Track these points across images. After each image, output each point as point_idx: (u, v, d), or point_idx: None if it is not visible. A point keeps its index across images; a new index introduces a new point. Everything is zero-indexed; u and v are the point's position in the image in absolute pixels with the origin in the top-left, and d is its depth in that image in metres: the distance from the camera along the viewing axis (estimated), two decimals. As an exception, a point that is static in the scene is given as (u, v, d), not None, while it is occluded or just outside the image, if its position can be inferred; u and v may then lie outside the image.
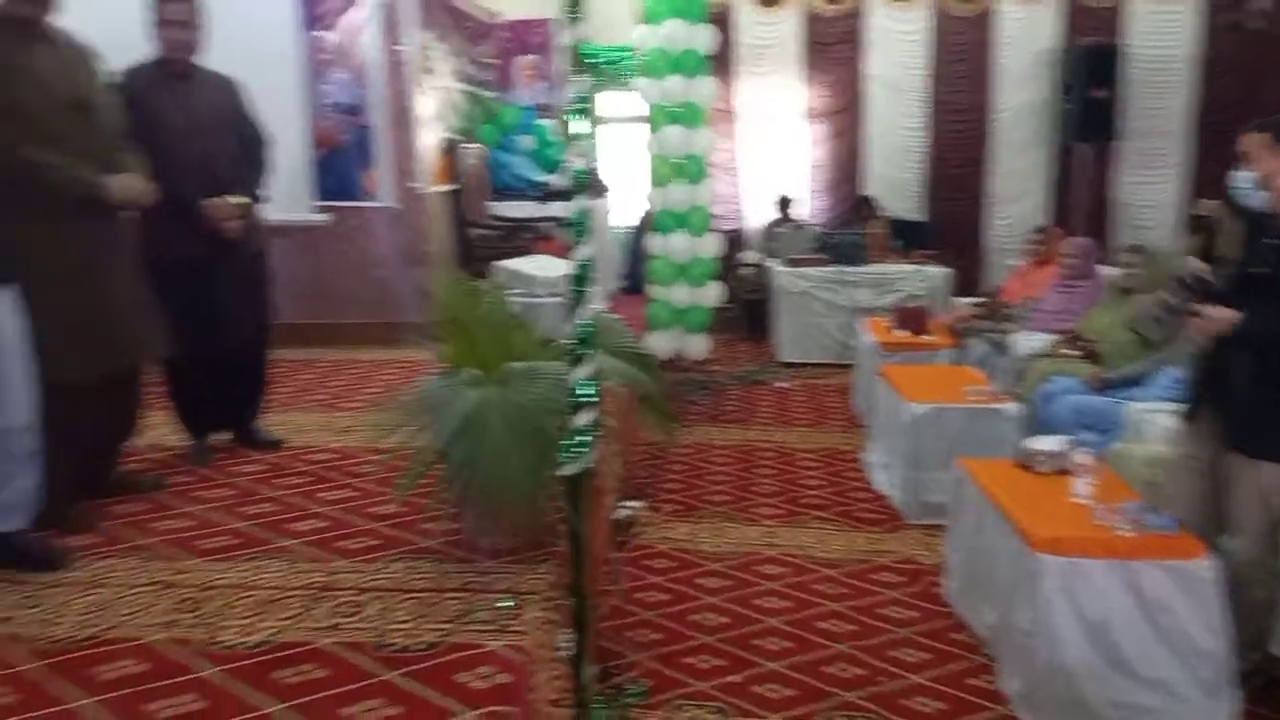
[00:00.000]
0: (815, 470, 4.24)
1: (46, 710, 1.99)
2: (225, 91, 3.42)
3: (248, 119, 3.49)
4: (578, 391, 2.36)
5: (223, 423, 3.66)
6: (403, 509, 3.08)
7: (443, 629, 2.34)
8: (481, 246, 6.04)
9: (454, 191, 6.07)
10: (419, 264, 5.56)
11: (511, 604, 2.44)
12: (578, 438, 2.37)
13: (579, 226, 2.41)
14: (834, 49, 7.73)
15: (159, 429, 3.64)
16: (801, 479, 4.12)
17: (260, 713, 2.00)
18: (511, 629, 2.35)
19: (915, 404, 3.72)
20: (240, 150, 3.43)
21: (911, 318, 5.13)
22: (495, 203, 6.36)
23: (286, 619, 2.38)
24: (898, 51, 7.64)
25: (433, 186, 5.62)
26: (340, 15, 5.17)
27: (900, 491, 3.74)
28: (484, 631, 2.33)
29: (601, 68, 2.72)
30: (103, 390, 2.91)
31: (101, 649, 2.22)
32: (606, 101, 7.24)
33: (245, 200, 3.34)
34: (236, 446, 3.67)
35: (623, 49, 5.37)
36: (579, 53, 2.51)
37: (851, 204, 7.82)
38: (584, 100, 2.51)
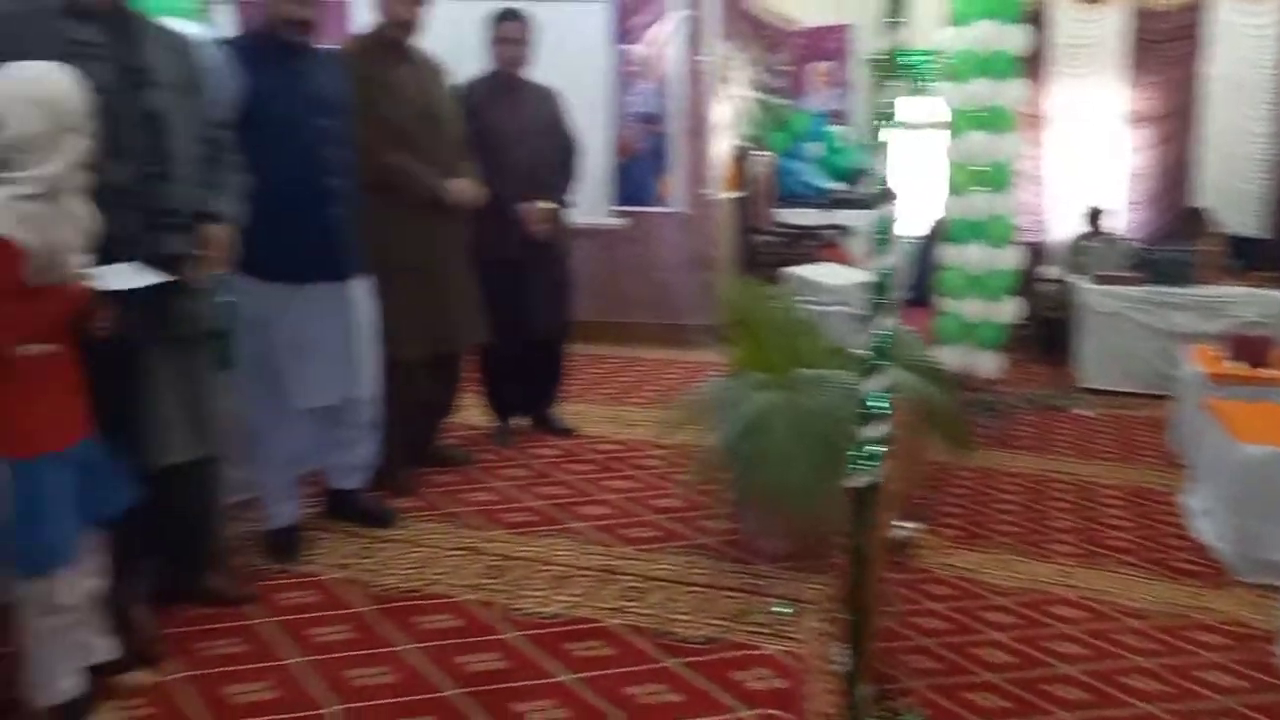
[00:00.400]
0: (1121, 509, 3.85)
1: (378, 649, 2.26)
2: (547, 101, 3.70)
3: (565, 128, 3.75)
4: (869, 403, 2.31)
5: (524, 408, 3.96)
6: (683, 504, 3.18)
7: (720, 625, 2.39)
8: (765, 253, 6.09)
9: (742, 198, 6.16)
10: (705, 268, 5.70)
11: (788, 610, 2.44)
12: (866, 450, 2.32)
13: (880, 235, 2.36)
14: (1166, 47, 6.97)
15: (470, 410, 4.02)
16: (1104, 517, 3.76)
17: (554, 679, 2.15)
18: (787, 635, 2.35)
19: (1251, 445, 3.27)
20: (556, 157, 3.70)
21: (1250, 347, 4.51)
22: (781, 209, 6.38)
23: (577, 595, 2.54)
24: (1243, 49, 6.76)
25: (722, 193, 5.74)
26: (648, 29, 5.42)
27: (1228, 543, 3.30)
28: (760, 634, 2.36)
29: (905, 72, 2.63)
30: (432, 370, 3.27)
31: (421, 601, 2.49)
32: (902, 107, 7.03)
33: (555, 205, 3.60)
34: (534, 431, 3.96)
35: (927, 52, 5.20)
36: (888, 57, 2.45)
37: (1177, 217, 7.00)
38: (889, 106, 2.45)
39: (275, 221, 2.43)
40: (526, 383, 3.93)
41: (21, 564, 1.79)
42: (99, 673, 1.98)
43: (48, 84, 1.75)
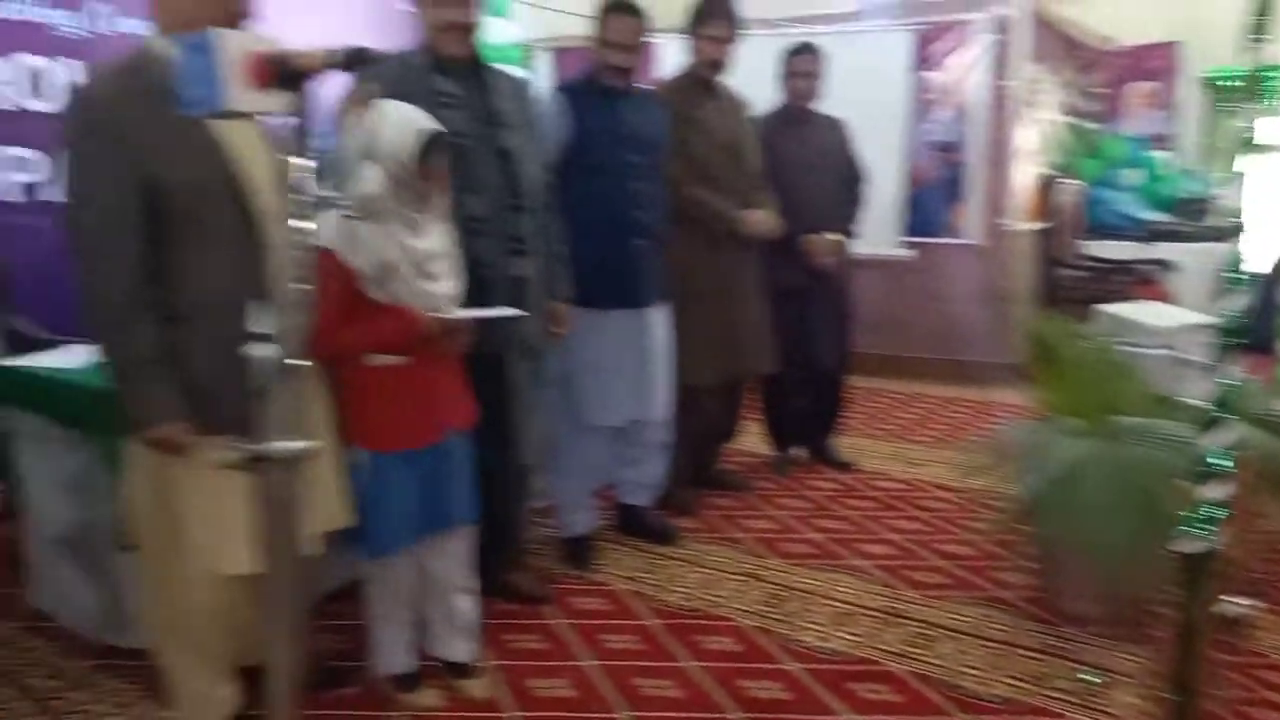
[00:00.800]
0: None
1: (663, 662, 2.34)
2: (835, 133, 3.71)
3: (852, 159, 3.73)
4: (1209, 460, 2.07)
5: (802, 438, 3.94)
6: (973, 551, 3.01)
7: (1017, 686, 2.23)
8: (1070, 288, 5.63)
9: (1044, 229, 5.76)
10: (1000, 303, 5.39)
11: (1097, 680, 2.23)
12: (1203, 512, 2.08)
13: (1230, 272, 2.11)
14: None
15: (749, 436, 4.06)
16: None
17: (837, 718, 2.10)
18: (1095, 707, 2.15)
19: None
20: (843, 188, 3.69)
21: None
22: (1089, 241, 5.88)
23: (859, 635, 2.48)
24: None
25: (1022, 223, 5.40)
26: (950, 55, 5.24)
27: None
28: (1063, 701, 2.17)
29: (1264, 92, 2.34)
30: (719, 395, 3.34)
31: (703, 621, 2.55)
32: (1260, 130, 6.25)
33: (840, 237, 3.57)
34: (811, 462, 3.93)
35: (1273, 68, 4.60)
36: (1245, 76, 2.19)
37: None
38: (1245, 130, 2.19)
39: (586, 251, 2.62)
40: (806, 413, 3.91)
41: (366, 546, 2.02)
42: (447, 667, 2.20)
43: (393, 121, 1.93)
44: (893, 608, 2.63)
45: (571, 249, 2.57)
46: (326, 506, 1.88)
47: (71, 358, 2.40)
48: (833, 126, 3.71)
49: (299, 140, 1.07)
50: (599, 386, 2.78)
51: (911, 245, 5.49)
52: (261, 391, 1.05)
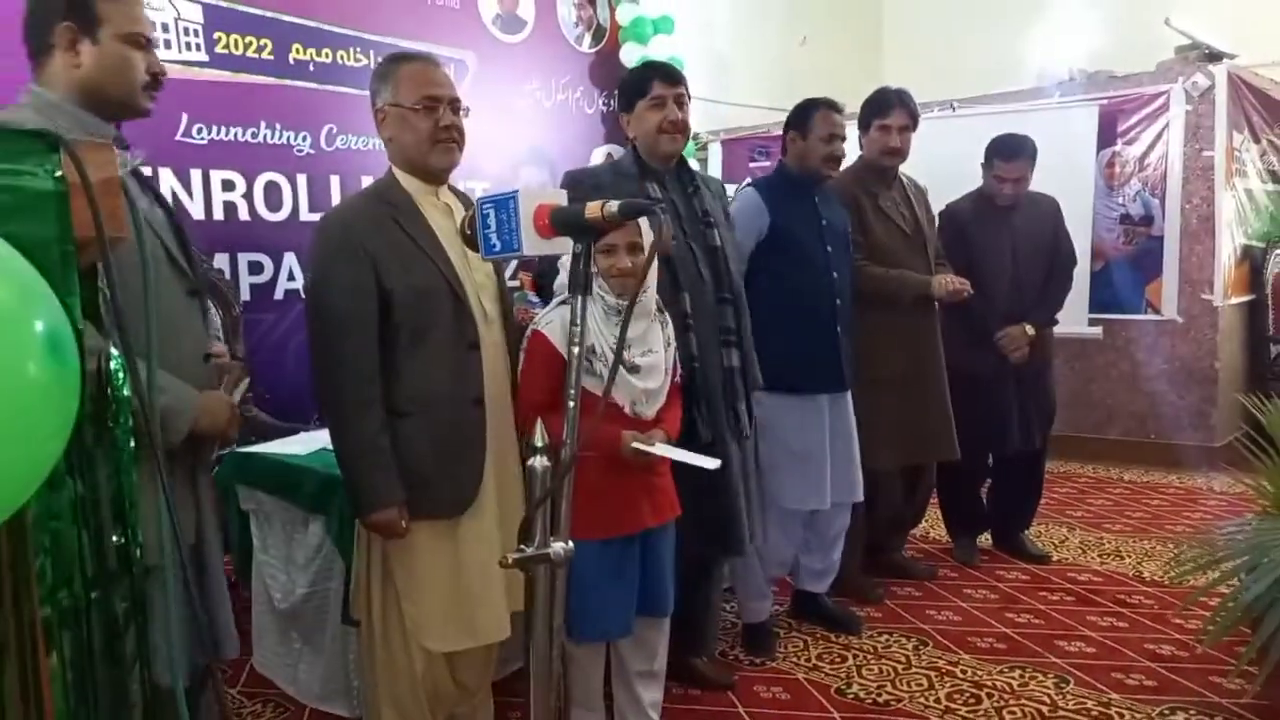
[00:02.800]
0: None
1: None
2: (1046, 217, 3.57)
3: (1062, 239, 3.59)
4: None
5: (989, 526, 3.80)
6: (1183, 653, 2.81)
7: (1244, 808, 2.05)
8: (1283, 366, 5.21)
9: (1252, 302, 5.38)
10: (1201, 382, 5.04)
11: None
12: None
13: None
14: None
15: (931, 522, 3.96)
16: None
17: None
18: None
19: None
20: (1045, 275, 3.55)
21: None
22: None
23: (1061, 740, 2.35)
24: None
25: (1227, 298, 5.06)
26: (1143, 128, 5.05)
27: None
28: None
29: None
30: (901, 480, 3.30)
31: (890, 717, 2.49)
32: None
33: (1033, 329, 3.45)
34: (997, 551, 3.78)
35: None
36: None
37: None
38: None
39: (791, 339, 2.70)
40: (995, 500, 3.78)
41: (569, 629, 2.09)
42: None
43: None
44: (1099, 711, 2.49)
45: (776, 338, 2.64)
46: (520, 585, 2.00)
47: (304, 445, 2.67)
48: (1045, 209, 3.57)
49: (578, 268, 1.19)
50: (801, 472, 2.79)
51: (1099, 323, 5.24)
52: (538, 496, 1.15)
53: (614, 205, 1.12)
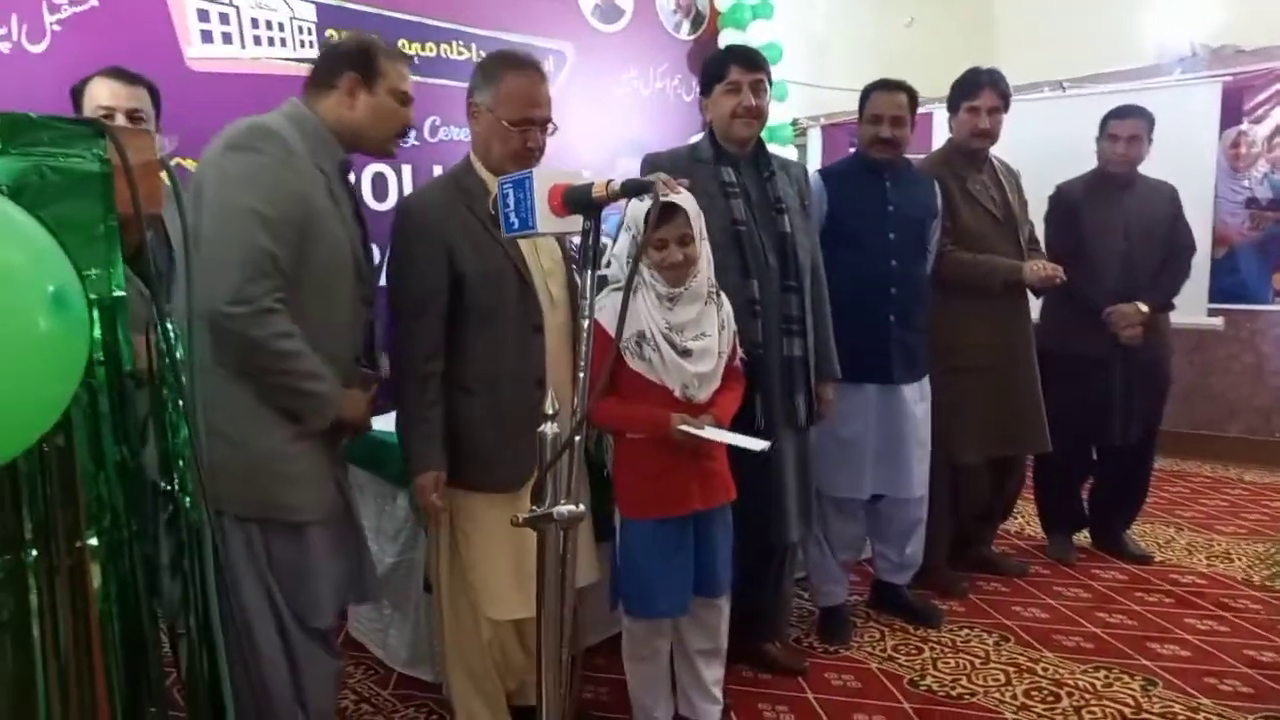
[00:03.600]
0: None
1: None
2: (1163, 200, 3.44)
3: (1179, 227, 3.45)
4: None
5: (1087, 522, 3.68)
6: (1286, 661, 2.67)
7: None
8: None
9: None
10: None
11: None
12: None
13: None
14: None
15: (1027, 517, 3.85)
16: None
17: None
18: None
19: None
20: (1163, 258, 3.41)
21: None
22: None
23: (1140, 743, 2.28)
24: None
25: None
26: (1273, 105, 4.73)
27: None
28: None
29: None
30: (989, 473, 3.23)
31: (960, 710, 2.46)
32: None
33: (1146, 308, 3.31)
34: (1096, 549, 3.65)
35: None
36: None
37: None
38: None
39: (840, 326, 2.66)
40: (1095, 496, 3.65)
41: (624, 605, 2.17)
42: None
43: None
44: (1183, 716, 2.40)
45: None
46: (577, 561, 2.08)
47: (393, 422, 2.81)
48: (1161, 193, 3.44)
49: (587, 244, 1.27)
50: (841, 459, 2.79)
51: (1220, 313, 4.96)
52: (548, 461, 1.24)
53: (616, 183, 1.21)
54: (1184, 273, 3.45)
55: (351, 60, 1.82)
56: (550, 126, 2.08)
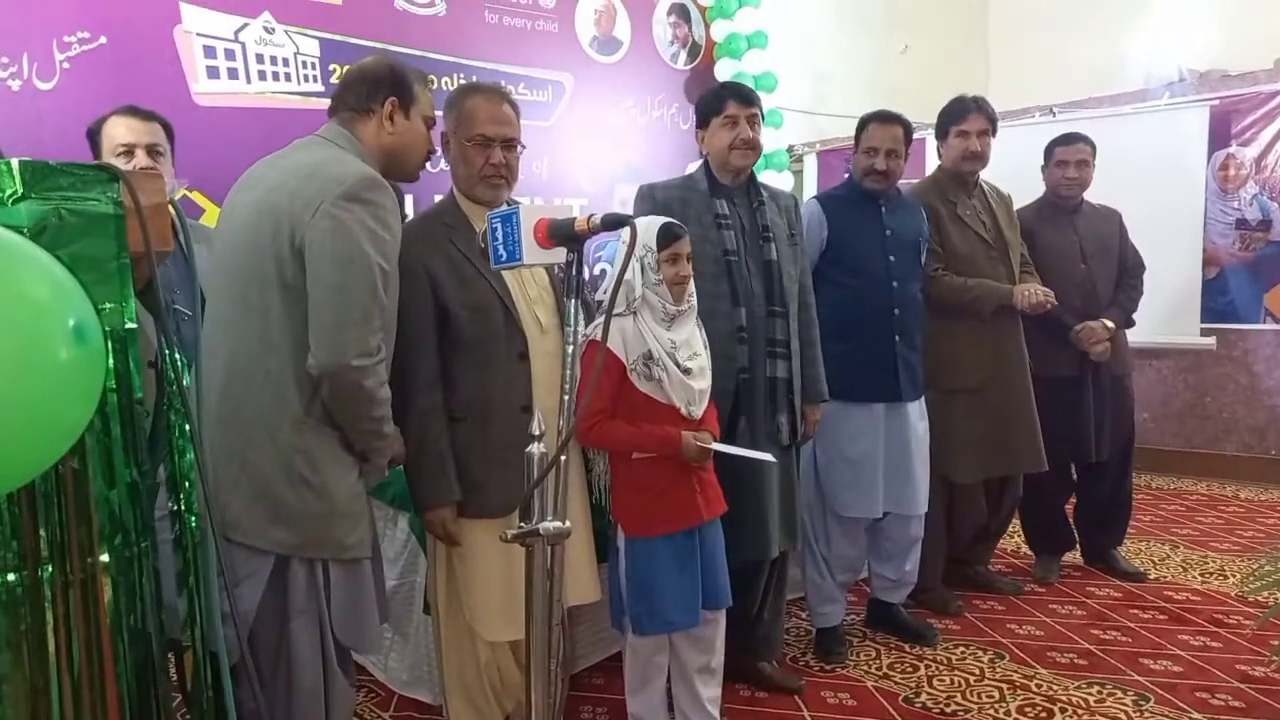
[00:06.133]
0: None
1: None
2: (1110, 222, 3.57)
3: (1128, 247, 3.57)
4: None
5: (1074, 543, 3.71)
6: (1277, 675, 2.70)
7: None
8: None
9: (1386, 311, 5.04)
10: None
11: None
12: None
13: None
14: None
15: (1017, 537, 3.89)
16: None
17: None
18: None
19: None
20: (1117, 277, 3.53)
21: None
22: None
23: (1130, 757, 2.31)
24: None
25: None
26: (1260, 128, 4.82)
27: None
28: None
29: None
30: (985, 492, 3.28)
31: (955, 726, 2.50)
32: None
33: (1113, 324, 3.41)
34: (1089, 567, 3.68)
35: None
36: None
37: None
38: None
39: (847, 347, 2.75)
40: (1079, 515, 3.69)
41: (634, 625, 2.20)
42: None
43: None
44: (1173, 732, 2.43)
45: (831, 345, 2.70)
46: (577, 581, 2.13)
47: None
48: (1106, 218, 3.57)
49: (571, 273, 1.35)
50: (853, 479, 2.85)
51: (1213, 333, 5.02)
52: (535, 480, 1.30)
53: (598, 217, 1.29)
54: (1139, 289, 3.56)
55: (391, 85, 1.83)
56: (518, 147, 2.12)
